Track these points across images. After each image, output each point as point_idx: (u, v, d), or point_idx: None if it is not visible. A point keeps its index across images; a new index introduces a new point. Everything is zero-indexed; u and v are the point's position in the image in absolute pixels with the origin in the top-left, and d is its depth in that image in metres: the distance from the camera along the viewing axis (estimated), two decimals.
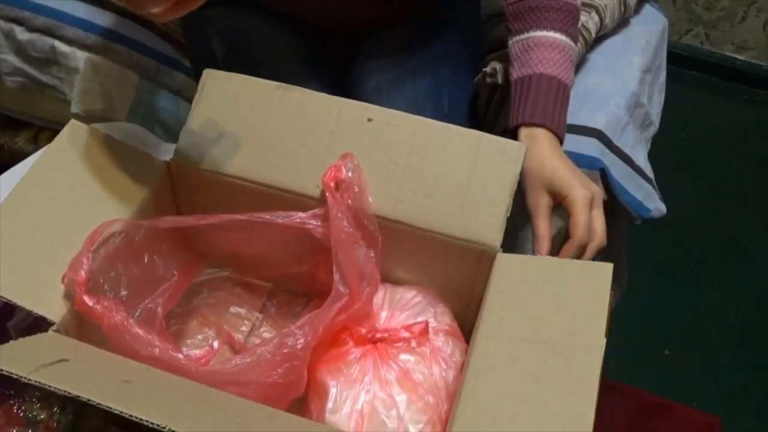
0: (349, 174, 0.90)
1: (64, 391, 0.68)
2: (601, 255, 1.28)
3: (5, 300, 0.83)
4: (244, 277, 1.05)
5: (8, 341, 0.94)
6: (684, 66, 2.30)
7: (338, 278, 0.86)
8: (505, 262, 0.88)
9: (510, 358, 0.78)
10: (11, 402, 0.96)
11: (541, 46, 1.04)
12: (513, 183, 0.91)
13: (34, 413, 0.94)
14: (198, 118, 0.97)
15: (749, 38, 2.31)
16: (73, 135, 0.96)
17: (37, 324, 0.95)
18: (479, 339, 0.81)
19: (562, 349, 0.78)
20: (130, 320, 0.81)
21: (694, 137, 2.23)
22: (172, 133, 1.33)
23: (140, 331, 0.80)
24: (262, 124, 0.95)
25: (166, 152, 1.12)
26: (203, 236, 0.98)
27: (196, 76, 1.35)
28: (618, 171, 1.19)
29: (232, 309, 1.03)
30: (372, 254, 0.89)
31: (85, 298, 0.81)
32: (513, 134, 1.04)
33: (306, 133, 0.94)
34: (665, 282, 1.91)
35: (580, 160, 1.17)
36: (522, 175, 0.92)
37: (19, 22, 1.40)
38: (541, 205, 0.99)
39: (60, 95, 1.45)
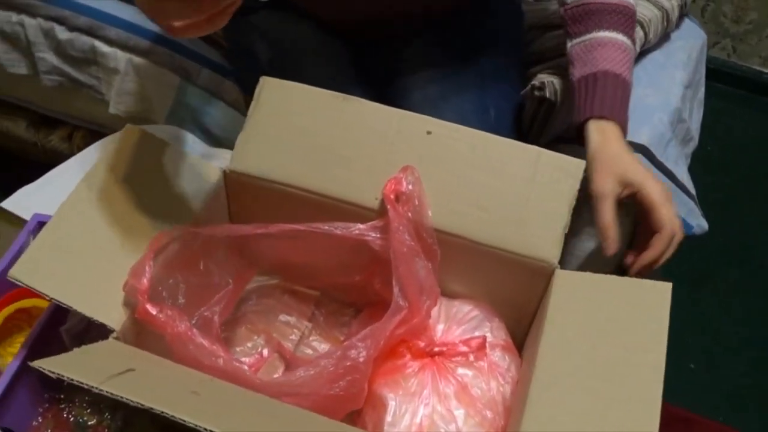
0: (410, 187, 0.89)
1: (137, 403, 0.67)
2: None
3: (66, 306, 0.83)
4: (292, 286, 1.05)
5: (61, 345, 0.95)
6: (711, 78, 2.28)
7: (398, 291, 0.86)
8: (564, 278, 0.88)
9: (572, 375, 0.78)
10: (61, 407, 0.96)
11: (603, 46, 1.05)
12: (571, 199, 0.91)
13: (84, 418, 0.95)
14: (254, 125, 0.97)
15: None
16: (129, 139, 0.96)
17: (88, 329, 0.96)
18: (541, 355, 0.80)
19: (623, 366, 0.77)
20: (194, 330, 0.81)
21: (721, 150, 2.22)
22: (210, 136, 1.33)
23: (204, 341, 0.80)
24: (319, 134, 0.95)
25: (210, 157, 1.13)
26: (254, 244, 0.97)
27: (238, 80, 1.36)
28: None
29: (282, 317, 1.03)
30: (431, 268, 0.89)
31: (148, 306, 0.81)
32: (577, 131, 1.05)
33: (364, 144, 0.94)
34: (691, 296, 1.91)
35: None
36: (589, 163, 0.94)
37: (59, 21, 1.39)
38: (608, 191, 0.97)
39: (97, 95, 1.45)
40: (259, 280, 1.05)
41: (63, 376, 0.70)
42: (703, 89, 1.45)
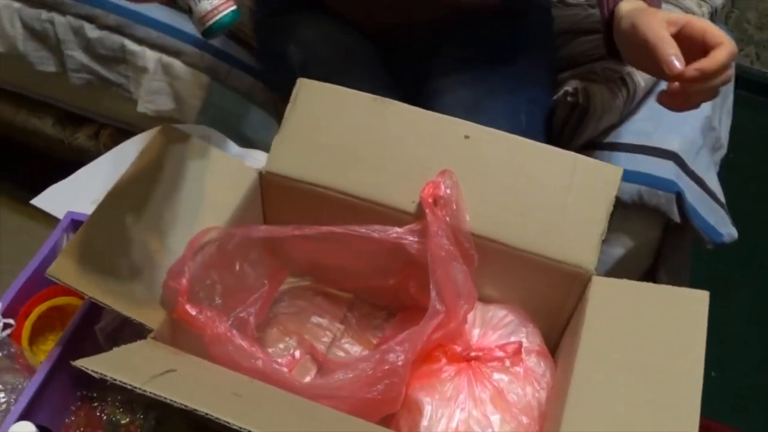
0: (448, 191, 0.89)
1: (181, 404, 0.67)
2: (666, 277, 1.29)
3: (103, 305, 0.83)
4: (324, 287, 1.05)
5: (94, 343, 0.95)
6: (734, 85, 2.30)
7: (435, 295, 0.86)
8: (601, 285, 0.88)
9: (610, 383, 0.78)
10: (94, 405, 0.96)
11: None
12: (609, 206, 0.90)
13: (117, 417, 0.95)
14: (291, 126, 0.97)
15: None
16: (165, 138, 0.96)
17: (122, 327, 0.96)
18: (579, 362, 0.80)
19: (661, 374, 0.77)
20: (233, 331, 0.80)
21: (743, 156, 2.21)
22: (239, 137, 1.32)
23: (244, 343, 0.80)
24: (355, 136, 0.95)
25: (241, 157, 1.12)
26: (288, 245, 0.97)
27: (268, 81, 1.36)
28: (692, 194, 1.19)
29: (314, 319, 1.02)
30: (469, 272, 0.89)
31: (188, 307, 0.81)
32: (607, 25, 1.03)
33: (401, 147, 0.94)
34: (713, 303, 1.91)
35: (656, 183, 1.16)
36: (629, 27, 0.93)
37: (89, 19, 1.40)
38: (661, 29, 0.92)
39: (126, 93, 1.45)
40: (291, 282, 1.05)
41: (106, 376, 0.70)
42: (731, 97, 1.45)
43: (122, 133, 1.57)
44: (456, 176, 0.91)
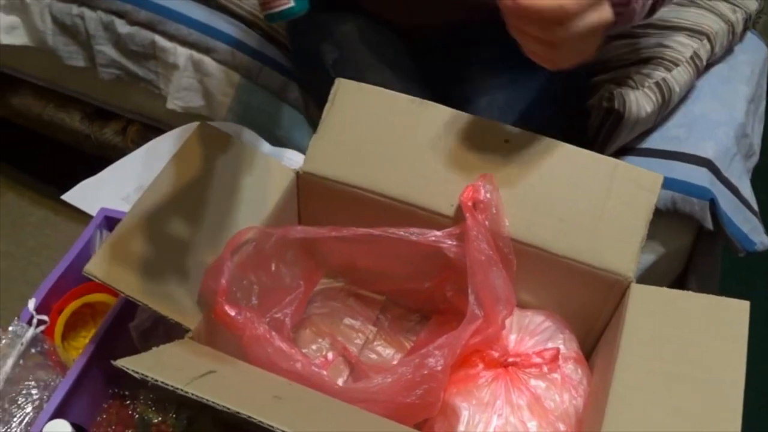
0: (488, 195, 0.89)
1: (224, 407, 0.67)
2: (696, 284, 1.28)
3: (141, 304, 0.82)
4: (358, 289, 1.05)
5: (126, 341, 0.95)
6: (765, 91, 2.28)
7: (473, 300, 0.85)
8: (640, 293, 0.87)
9: (651, 392, 0.77)
10: (126, 403, 0.95)
11: None
12: (648, 213, 0.89)
13: (149, 416, 0.94)
14: (328, 127, 0.96)
15: None
16: (201, 136, 0.95)
17: (156, 326, 0.95)
18: (618, 371, 0.79)
19: (702, 384, 0.76)
20: (272, 333, 0.80)
21: None
22: (270, 135, 1.32)
23: (283, 345, 0.79)
24: (393, 138, 0.94)
25: (274, 156, 1.12)
26: (324, 246, 0.97)
27: (300, 80, 1.36)
28: (725, 202, 1.18)
29: (347, 320, 1.02)
30: (508, 277, 0.88)
31: (227, 308, 0.81)
32: None
33: (440, 150, 0.93)
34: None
35: (690, 190, 1.16)
36: None
37: (120, 14, 1.39)
38: None
39: (155, 89, 1.45)
40: (324, 283, 1.04)
41: (147, 376, 0.70)
42: (764, 103, 1.44)
43: (149, 129, 1.57)
44: (495, 180, 0.90)
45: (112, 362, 0.71)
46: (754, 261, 1.82)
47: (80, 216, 1.30)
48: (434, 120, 0.95)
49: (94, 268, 0.83)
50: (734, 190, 1.21)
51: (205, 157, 0.93)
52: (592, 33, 0.82)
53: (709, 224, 1.17)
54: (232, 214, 0.91)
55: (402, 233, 0.89)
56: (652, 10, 1.03)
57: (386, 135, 0.95)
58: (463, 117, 0.95)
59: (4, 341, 0.91)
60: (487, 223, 0.88)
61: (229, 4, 1.39)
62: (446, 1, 1.14)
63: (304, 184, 0.97)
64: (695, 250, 1.26)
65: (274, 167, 0.96)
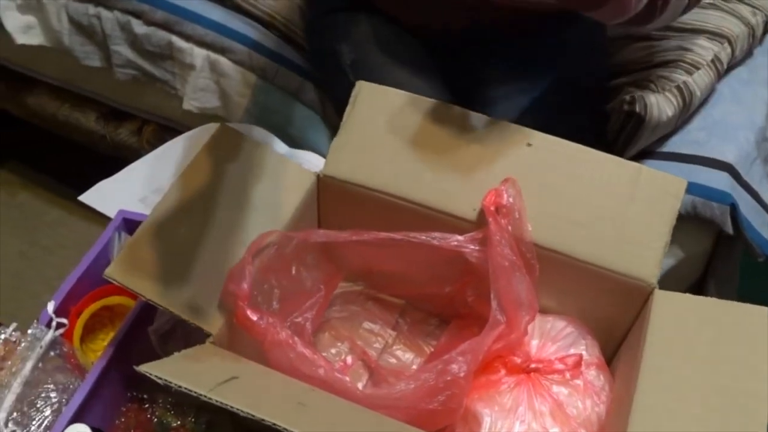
0: (510, 199, 0.88)
1: (248, 414, 0.66)
2: (715, 288, 1.27)
3: (162, 308, 0.82)
4: (377, 293, 1.04)
5: (144, 344, 0.95)
6: None
7: (496, 305, 0.85)
8: (663, 299, 0.86)
9: (674, 399, 0.76)
10: (144, 406, 0.95)
11: None
12: (672, 218, 0.89)
13: (168, 420, 0.94)
14: (349, 130, 0.96)
15: None
16: (221, 139, 0.95)
17: (174, 329, 0.95)
18: (642, 378, 0.79)
19: (726, 392, 0.76)
20: (295, 338, 0.79)
21: None
22: (286, 136, 1.31)
23: (306, 351, 0.79)
24: (415, 141, 0.94)
25: (292, 158, 1.11)
26: (344, 250, 0.96)
27: (317, 81, 1.35)
28: (745, 206, 1.17)
29: (366, 324, 1.02)
30: (530, 283, 0.87)
31: (249, 312, 0.80)
32: None
33: (462, 154, 0.93)
34: None
35: (711, 194, 1.15)
36: None
37: (137, 15, 1.39)
38: None
39: (171, 90, 1.45)
40: (343, 286, 1.04)
41: (171, 382, 0.69)
42: None
43: (165, 129, 1.57)
44: (518, 185, 0.89)
45: (135, 368, 0.71)
46: None
47: (95, 216, 1.30)
48: (456, 123, 0.94)
49: (115, 271, 0.83)
50: (754, 195, 1.20)
51: (224, 160, 0.93)
52: None
53: (729, 229, 1.16)
54: (252, 217, 0.90)
55: (424, 238, 0.88)
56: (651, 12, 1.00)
57: (408, 138, 0.94)
58: (485, 120, 0.94)
59: (23, 344, 0.91)
60: (510, 228, 0.87)
61: (245, 4, 1.38)
62: (466, 3, 1.14)
63: (325, 187, 0.96)
64: (714, 255, 1.25)
65: (294, 170, 0.96)
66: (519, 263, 0.86)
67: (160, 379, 0.70)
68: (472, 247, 0.88)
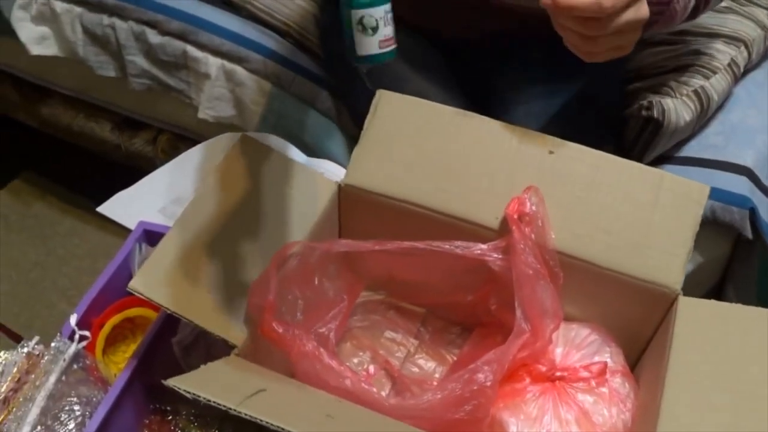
0: (533, 208, 0.88)
1: (278, 427, 0.66)
2: (734, 293, 1.26)
3: (187, 320, 0.82)
4: (398, 302, 1.04)
5: (166, 356, 0.95)
6: None
7: (520, 314, 0.85)
8: (688, 306, 0.86)
9: (702, 407, 0.76)
10: (167, 418, 0.95)
11: None
12: (695, 224, 0.88)
13: (191, 431, 0.94)
14: (371, 139, 0.96)
15: None
16: (243, 149, 0.95)
17: (197, 341, 0.95)
18: (669, 386, 0.78)
19: (755, 398, 0.76)
20: (321, 349, 0.79)
21: None
22: (302, 145, 1.31)
23: (333, 362, 0.79)
24: (436, 150, 0.94)
25: (312, 167, 1.11)
26: (366, 259, 0.96)
27: (332, 89, 1.35)
28: (765, 210, 1.17)
29: (387, 333, 1.01)
30: (555, 291, 0.87)
31: (275, 324, 0.80)
32: None
33: (484, 162, 0.92)
34: None
35: (730, 199, 1.14)
36: None
37: (151, 25, 1.39)
38: None
39: (186, 99, 1.45)
40: (364, 295, 1.04)
41: (199, 396, 0.69)
42: None
43: (180, 138, 1.57)
44: (541, 192, 0.89)
45: (163, 382, 0.71)
46: None
47: (109, 226, 1.30)
48: (477, 131, 0.94)
49: (139, 284, 0.83)
50: None
51: (246, 170, 0.93)
52: (628, 28, 0.87)
53: (748, 233, 1.16)
54: (275, 227, 0.90)
55: (447, 247, 0.88)
56: (695, 13, 1.02)
57: (429, 147, 0.94)
58: (506, 128, 0.94)
59: (46, 357, 0.91)
60: (533, 236, 0.87)
61: (260, 13, 1.38)
62: (484, 11, 1.13)
63: (346, 196, 0.96)
64: (733, 259, 1.24)
65: (316, 180, 0.96)
66: (543, 271, 0.85)
67: (189, 393, 0.70)
68: (496, 255, 0.88)
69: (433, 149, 0.94)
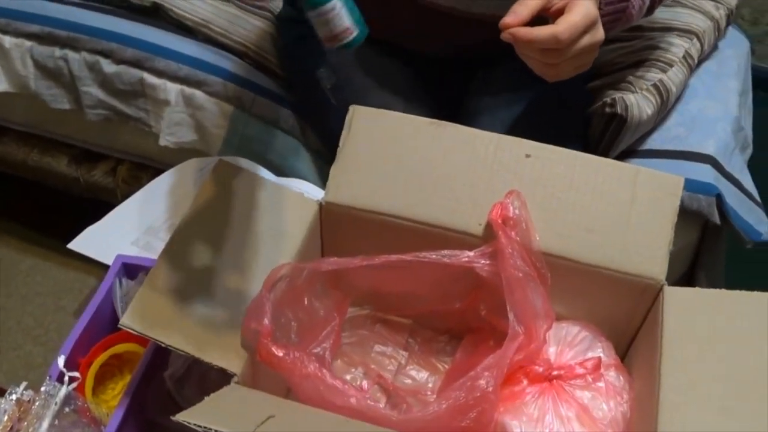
0: (516, 211, 0.89)
1: None
2: (705, 279, 1.29)
3: (183, 353, 0.81)
4: (384, 315, 1.04)
5: (156, 390, 0.93)
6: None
7: (513, 318, 0.85)
8: (674, 295, 0.87)
9: (700, 394, 0.77)
10: None
11: None
12: (673, 216, 0.91)
13: None
14: (348, 155, 0.95)
15: None
16: (221, 175, 0.94)
17: (189, 372, 0.94)
18: (665, 375, 0.80)
19: (751, 383, 0.77)
20: (323, 370, 0.79)
21: None
22: (268, 165, 1.30)
23: (336, 382, 0.78)
24: (415, 161, 0.94)
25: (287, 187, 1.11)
26: (350, 275, 0.96)
27: (296, 107, 1.35)
28: (730, 196, 1.20)
29: (377, 347, 1.01)
30: (544, 292, 0.88)
31: (273, 349, 0.79)
32: None
33: (463, 170, 0.93)
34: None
35: (697, 187, 1.17)
36: None
37: (105, 54, 1.37)
38: None
39: (145, 127, 1.43)
40: (349, 311, 1.03)
41: (210, 428, 0.68)
42: (750, 95, 1.47)
43: (141, 167, 1.55)
44: (523, 196, 0.90)
45: (172, 418, 0.70)
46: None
47: (72, 262, 1.28)
48: (454, 140, 0.94)
49: (131, 320, 0.82)
50: (737, 184, 1.23)
51: (226, 195, 0.92)
52: (586, 53, 0.94)
53: (716, 219, 1.19)
54: (262, 251, 0.90)
55: (434, 256, 0.88)
56: (651, 10, 1.05)
57: (407, 159, 0.94)
58: (482, 135, 0.94)
59: (37, 402, 0.88)
60: (519, 239, 0.88)
61: (217, 36, 1.37)
62: (448, 23, 1.14)
63: (328, 214, 0.96)
64: (702, 246, 1.27)
65: (296, 200, 0.95)
66: (533, 274, 0.86)
67: (200, 426, 0.69)
68: (483, 261, 0.89)
69: (411, 161, 0.94)
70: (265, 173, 1.21)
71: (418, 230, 0.92)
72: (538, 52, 0.93)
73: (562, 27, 0.90)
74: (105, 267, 1.06)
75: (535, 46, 0.92)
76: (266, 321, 0.81)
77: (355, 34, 0.88)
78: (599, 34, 0.94)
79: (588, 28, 0.92)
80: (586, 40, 0.92)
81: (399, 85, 1.20)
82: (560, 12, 0.92)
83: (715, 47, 1.39)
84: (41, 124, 1.59)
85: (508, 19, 0.92)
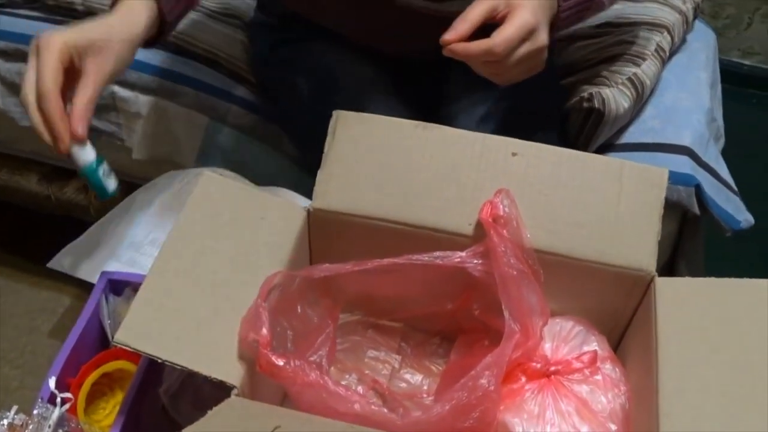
0: (506, 210, 0.89)
1: None
2: (687, 268, 1.31)
3: (180, 368, 0.79)
4: (375, 320, 1.04)
5: (150, 406, 0.92)
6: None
7: (508, 316, 0.85)
8: (665, 285, 0.88)
9: (700, 381, 0.78)
10: None
11: None
12: (660, 207, 0.91)
13: None
14: (334, 160, 0.95)
15: (755, 44, 2.39)
16: (208, 187, 0.93)
17: (184, 386, 0.93)
18: (662, 364, 0.80)
19: (749, 367, 0.78)
20: (325, 378, 0.78)
21: None
22: (245, 174, 1.29)
23: (339, 389, 0.78)
24: (402, 164, 0.94)
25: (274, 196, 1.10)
26: (341, 281, 0.95)
27: (271, 114, 1.34)
28: (708, 186, 1.22)
29: (370, 353, 1.01)
30: (539, 288, 0.88)
31: (273, 358, 0.78)
32: None
33: (450, 171, 0.93)
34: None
35: (675, 179, 1.18)
36: None
37: None
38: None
39: (117, 141, 1.41)
40: (340, 318, 1.03)
41: None
42: (719, 86, 1.49)
43: None
44: (512, 194, 0.90)
45: None
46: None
47: (44, 281, 1.25)
48: (439, 141, 0.94)
49: (126, 337, 0.80)
50: (714, 173, 1.24)
51: (214, 207, 0.91)
52: (529, 58, 0.95)
53: (695, 209, 1.20)
54: (254, 261, 0.89)
55: (426, 258, 0.88)
56: None
57: (393, 162, 0.94)
58: (467, 135, 0.94)
59: (30, 426, 0.86)
60: (510, 237, 0.88)
61: (187, 46, 1.36)
62: (426, 26, 1.14)
63: (316, 221, 0.95)
64: (681, 236, 1.29)
65: (283, 208, 0.94)
66: (527, 271, 0.87)
67: None
68: (476, 261, 0.89)
69: (398, 164, 0.94)
70: (247, 183, 1.20)
71: (407, 233, 0.92)
72: (479, 64, 0.96)
73: (497, 40, 0.92)
74: (80, 285, 1.04)
75: (472, 60, 0.95)
76: (264, 331, 0.80)
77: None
78: (539, 39, 0.95)
79: (525, 36, 0.94)
80: (524, 48, 0.94)
81: (379, 89, 1.20)
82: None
83: (684, 40, 1.40)
84: (10, 142, 1.55)
85: (448, 36, 0.94)
